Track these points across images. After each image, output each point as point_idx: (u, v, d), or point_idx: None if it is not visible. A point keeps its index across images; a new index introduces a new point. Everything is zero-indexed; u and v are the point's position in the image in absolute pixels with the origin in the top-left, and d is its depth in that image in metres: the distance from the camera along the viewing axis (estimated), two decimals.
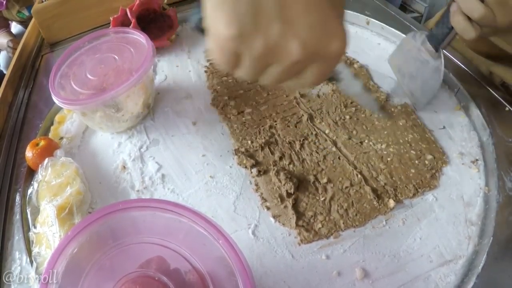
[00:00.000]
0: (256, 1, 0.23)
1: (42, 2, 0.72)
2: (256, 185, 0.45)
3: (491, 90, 0.50)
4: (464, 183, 0.43)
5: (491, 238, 0.37)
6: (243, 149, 0.48)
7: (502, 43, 0.49)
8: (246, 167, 0.46)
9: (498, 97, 0.49)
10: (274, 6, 0.23)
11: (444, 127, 0.49)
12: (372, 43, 0.58)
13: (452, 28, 0.42)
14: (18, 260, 0.40)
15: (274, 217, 0.41)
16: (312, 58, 0.25)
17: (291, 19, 0.23)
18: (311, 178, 0.44)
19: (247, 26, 0.23)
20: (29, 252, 0.41)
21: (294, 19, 0.23)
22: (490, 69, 0.54)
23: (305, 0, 0.23)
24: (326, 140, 0.48)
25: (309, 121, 0.51)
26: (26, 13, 1.39)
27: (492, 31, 0.39)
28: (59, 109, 0.58)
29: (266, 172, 0.46)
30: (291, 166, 0.46)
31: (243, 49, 0.24)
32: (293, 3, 0.23)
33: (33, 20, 0.82)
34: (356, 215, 0.41)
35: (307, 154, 0.47)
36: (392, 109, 0.51)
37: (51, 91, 0.49)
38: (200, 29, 0.29)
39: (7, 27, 1.44)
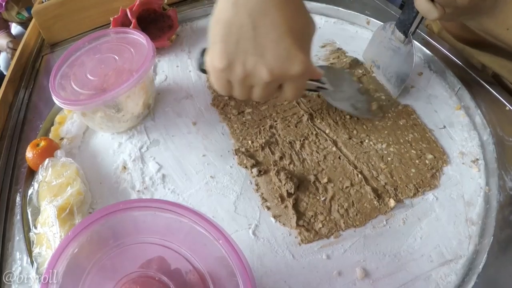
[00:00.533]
0: (239, 42, 0.32)
1: (42, 2, 0.72)
2: (257, 185, 0.45)
3: (491, 89, 0.50)
4: (464, 183, 0.43)
5: (492, 237, 0.37)
6: (243, 149, 0.48)
7: (474, 26, 0.49)
8: (246, 167, 0.46)
9: (499, 96, 0.49)
10: (251, 45, 0.32)
11: (444, 127, 0.49)
12: None
13: (418, 12, 0.42)
14: (18, 261, 0.40)
15: (274, 217, 0.41)
16: (279, 79, 0.34)
17: (262, 53, 0.32)
18: (312, 178, 0.44)
19: (232, 60, 0.33)
20: (29, 252, 0.41)
21: (264, 53, 0.32)
22: (479, 60, 0.54)
23: (273, 39, 0.31)
24: (326, 140, 0.48)
25: (309, 121, 0.51)
26: (25, 14, 1.39)
27: (456, 12, 0.39)
28: (60, 109, 0.58)
29: (266, 172, 0.46)
30: (291, 166, 0.46)
31: (230, 77, 0.34)
32: (265, 41, 0.32)
33: (33, 20, 0.82)
34: (356, 215, 0.41)
35: (308, 154, 0.47)
36: (391, 111, 0.51)
37: (51, 91, 0.49)
38: (203, 70, 0.39)
39: (6, 28, 1.44)
